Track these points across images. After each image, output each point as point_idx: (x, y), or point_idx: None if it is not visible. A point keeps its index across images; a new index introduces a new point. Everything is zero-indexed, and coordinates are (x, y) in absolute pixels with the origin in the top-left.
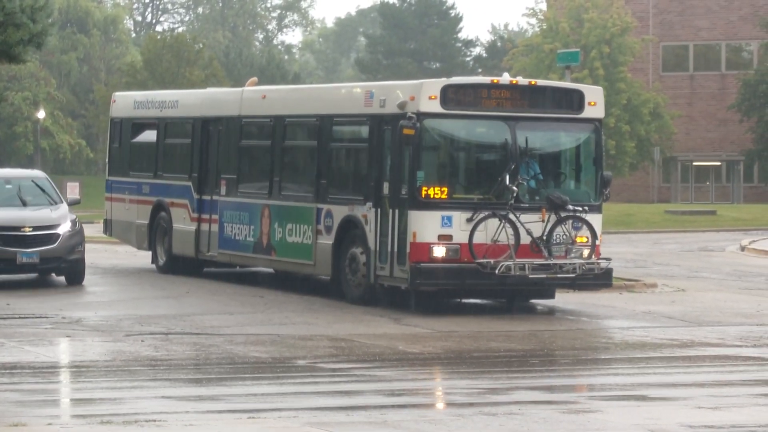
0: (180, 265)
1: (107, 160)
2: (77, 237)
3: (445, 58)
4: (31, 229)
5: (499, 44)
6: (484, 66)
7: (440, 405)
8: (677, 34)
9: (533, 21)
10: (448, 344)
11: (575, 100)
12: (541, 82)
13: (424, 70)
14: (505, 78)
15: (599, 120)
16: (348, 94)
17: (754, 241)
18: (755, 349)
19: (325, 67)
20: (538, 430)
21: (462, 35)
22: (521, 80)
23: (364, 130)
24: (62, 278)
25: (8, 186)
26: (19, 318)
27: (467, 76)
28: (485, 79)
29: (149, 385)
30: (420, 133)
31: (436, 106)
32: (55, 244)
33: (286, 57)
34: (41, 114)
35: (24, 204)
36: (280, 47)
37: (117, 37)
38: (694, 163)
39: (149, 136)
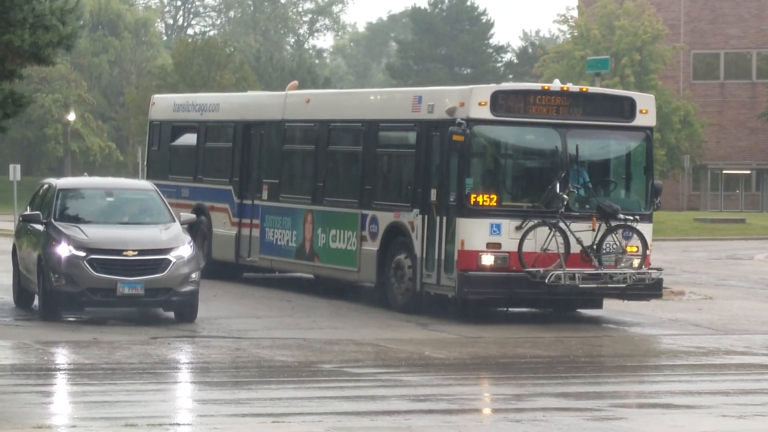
0: (219, 270)
1: (146, 163)
2: (192, 264)
3: (476, 64)
4: (135, 252)
5: (530, 50)
6: (515, 72)
7: (465, 411)
8: (708, 42)
9: (564, 28)
10: (474, 350)
11: (626, 108)
12: (592, 89)
13: (454, 75)
14: (556, 84)
15: (650, 128)
16: (395, 99)
17: None
18: None
19: (355, 71)
20: None
21: (493, 41)
22: (572, 87)
23: (412, 136)
24: (171, 313)
25: (109, 199)
26: (43, 320)
27: (501, 83)
28: (536, 86)
29: (174, 388)
30: (469, 139)
31: (486, 113)
32: (165, 273)
33: (316, 61)
34: (71, 116)
35: (128, 222)
36: (311, 51)
37: (148, 40)
38: (724, 172)
39: (189, 139)
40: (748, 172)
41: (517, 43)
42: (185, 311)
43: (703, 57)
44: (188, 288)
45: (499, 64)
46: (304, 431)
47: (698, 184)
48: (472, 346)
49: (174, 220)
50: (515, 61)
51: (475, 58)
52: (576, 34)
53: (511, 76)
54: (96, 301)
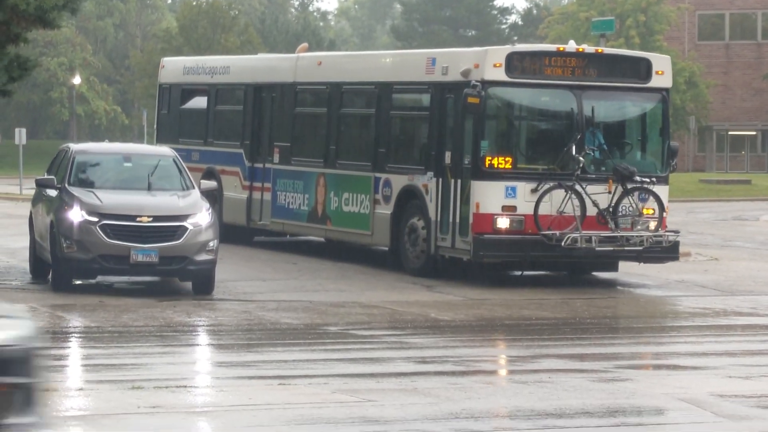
0: (230, 234)
1: (155, 126)
2: (210, 232)
3: (480, 26)
4: (150, 219)
5: (534, 12)
6: (520, 34)
7: (470, 373)
8: (713, 2)
9: None
10: (480, 312)
11: (642, 69)
12: (607, 50)
13: (459, 37)
14: (571, 45)
15: (666, 89)
16: (409, 61)
17: None
18: None
19: (360, 34)
20: (567, 399)
21: (498, 3)
22: (587, 48)
23: (425, 98)
24: (188, 284)
25: (127, 164)
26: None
27: (507, 44)
28: (551, 47)
29: (181, 350)
30: (484, 101)
31: (501, 74)
32: (180, 240)
33: (321, 24)
34: (77, 80)
35: (145, 188)
36: (315, 14)
37: (153, 3)
38: (730, 133)
39: (199, 102)
40: (754, 132)
41: (521, 5)
42: (201, 282)
43: (708, 17)
44: (205, 257)
45: (504, 26)
46: (310, 393)
47: (704, 146)
48: (478, 308)
49: (193, 187)
50: (520, 22)
51: (480, 19)
52: None
53: (515, 38)
54: (108, 269)
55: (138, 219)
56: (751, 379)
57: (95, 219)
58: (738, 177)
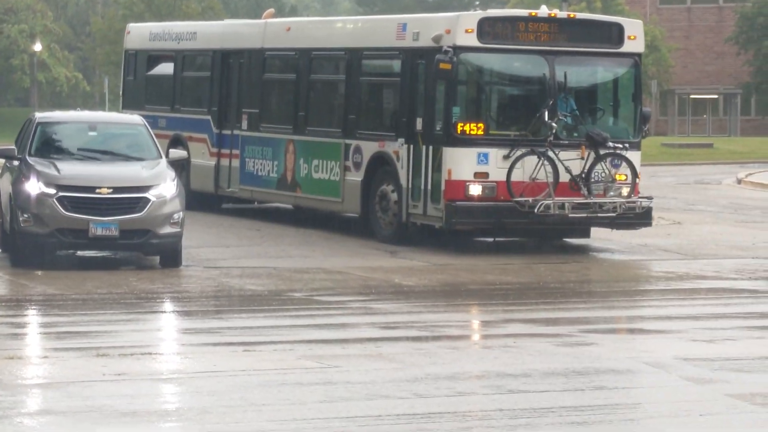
0: (198, 201)
1: (121, 92)
2: (174, 204)
3: None
4: (110, 190)
5: None
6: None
7: (435, 338)
8: None
9: None
10: (444, 277)
11: (615, 34)
12: (580, 15)
13: (421, 3)
14: (543, 11)
15: (639, 54)
16: (379, 27)
17: (750, 173)
18: (750, 282)
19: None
20: (532, 363)
21: None
22: (560, 13)
23: (396, 64)
24: (157, 259)
25: (92, 133)
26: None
27: (470, 10)
28: (523, 12)
29: (145, 318)
30: (456, 67)
31: (472, 40)
32: (142, 213)
33: None
34: (38, 47)
35: (109, 158)
36: None
37: None
38: (691, 96)
39: (166, 68)
40: (716, 96)
41: None
42: (167, 256)
43: None
44: (170, 230)
45: None
46: (275, 359)
47: (665, 109)
48: (441, 273)
49: (160, 156)
50: None
51: None
52: None
53: (477, 3)
54: (66, 243)
55: (97, 191)
56: (715, 342)
57: (52, 191)
58: (700, 141)
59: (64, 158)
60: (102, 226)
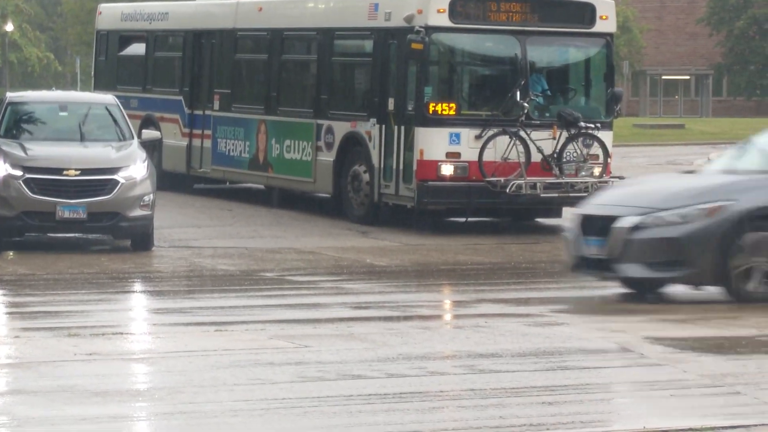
0: (170, 182)
1: (93, 73)
2: (145, 185)
3: None
4: (77, 172)
5: None
6: None
7: (406, 318)
8: None
9: None
10: (415, 257)
11: (587, 14)
12: None
13: None
14: None
15: (611, 34)
16: (351, 7)
17: (722, 154)
18: None
19: None
20: (504, 343)
21: None
22: None
23: (368, 44)
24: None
25: (63, 114)
26: None
27: None
28: None
29: (117, 298)
30: (428, 47)
31: (444, 20)
32: (110, 195)
33: None
34: (9, 27)
35: (79, 139)
36: None
37: None
38: (663, 77)
39: (138, 49)
40: (687, 77)
41: None
42: (137, 239)
43: None
44: (140, 212)
45: None
46: (247, 339)
47: (637, 90)
48: (413, 253)
49: (132, 137)
50: None
51: None
52: None
53: None
54: (33, 226)
55: (65, 172)
56: (686, 322)
57: (19, 173)
58: (671, 122)
59: (33, 139)
60: (69, 208)
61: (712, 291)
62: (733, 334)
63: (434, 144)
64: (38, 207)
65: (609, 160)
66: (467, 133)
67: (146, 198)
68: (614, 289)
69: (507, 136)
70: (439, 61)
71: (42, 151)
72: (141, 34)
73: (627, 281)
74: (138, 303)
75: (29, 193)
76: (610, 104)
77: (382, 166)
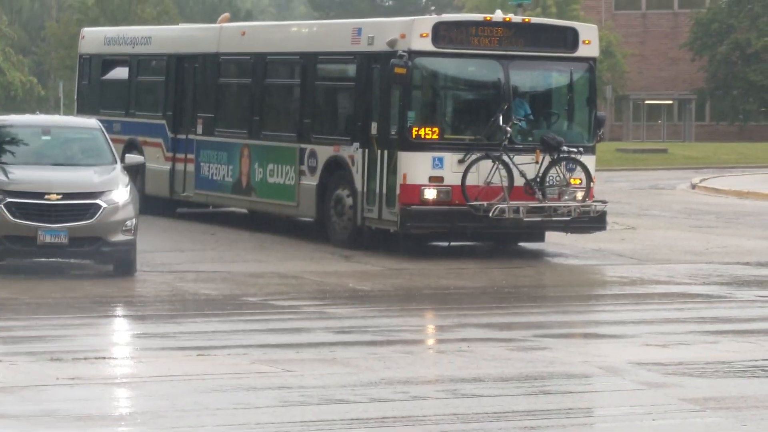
0: (153, 206)
1: (76, 97)
2: (127, 210)
3: None
4: (59, 196)
5: None
6: (437, 4)
7: (389, 342)
8: None
9: None
10: (399, 281)
11: (569, 39)
12: (534, 19)
13: (376, 7)
14: (498, 15)
15: (593, 59)
16: (334, 31)
17: (704, 179)
18: (704, 287)
19: (277, 4)
20: (486, 367)
21: None
22: (514, 17)
23: (351, 69)
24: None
25: (45, 138)
26: None
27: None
28: (478, 17)
29: (99, 322)
30: (411, 71)
31: (427, 44)
32: (92, 220)
33: None
34: None
35: (62, 163)
36: None
37: None
38: (646, 102)
39: (121, 73)
40: (670, 102)
41: None
42: (120, 264)
43: None
44: (122, 237)
45: None
46: (229, 364)
47: (620, 115)
48: (396, 277)
49: (115, 162)
50: None
51: None
52: None
53: (433, 8)
54: (14, 251)
55: (46, 197)
56: (668, 347)
57: (0, 197)
58: (655, 146)
59: (15, 163)
60: (51, 233)
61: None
62: (714, 359)
63: (417, 168)
64: (19, 231)
65: (592, 184)
66: (450, 158)
67: (129, 222)
68: (596, 314)
69: (490, 161)
70: (422, 86)
71: (24, 174)
72: (124, 58)
73: None
74: (121, 327)
75: (10, 217)
76: (593, 129)
77: (365, 190)
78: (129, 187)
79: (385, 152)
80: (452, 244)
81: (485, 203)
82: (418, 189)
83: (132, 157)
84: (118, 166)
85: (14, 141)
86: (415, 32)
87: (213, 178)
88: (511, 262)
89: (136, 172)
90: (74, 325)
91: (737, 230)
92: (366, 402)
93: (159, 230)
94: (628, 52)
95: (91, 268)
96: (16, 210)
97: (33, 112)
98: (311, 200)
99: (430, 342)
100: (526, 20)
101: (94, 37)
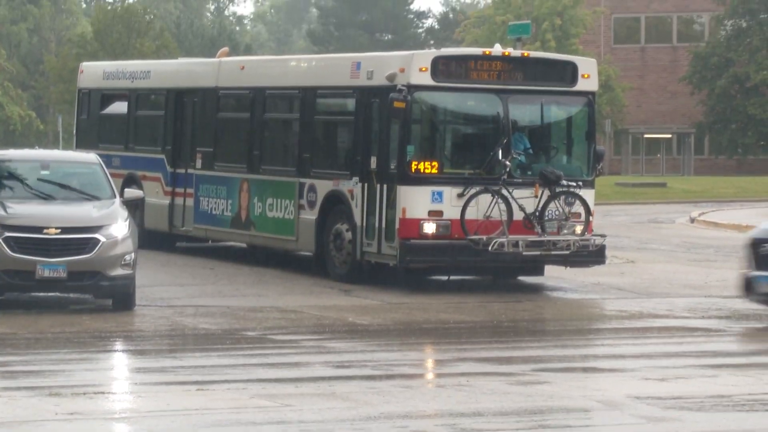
0: (152, 240)
1: (75, 131)
2: (126, 244)
3: (397, 30)
4: (57, 230)
5: (451, 16)
6: (436, 38)
7: (389, 377)
8: (629, 6)
9: None
10: (398, 316)
11: (568, 73)
12: (533, 53)
13: (375, 42)
14: (497, 49)
15: (593, 93)
16: (333, 66)
17: (703, 213)
18: (703, 321)
19: (276, 38)
20: (485, 402)
21: (414, 7)
22: (513, 52)
23: (351, 103)
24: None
25: (44, 172)
26: None
27: (424, 48)
28: (477, 51)
29: (98, 357)
30: (410, 106)
31: (426, 79)
32: (91, 254)
33: (237, 28)
34: None
35: (61, 197)
36: (231, 18)
37: (67, 8)
38: (645, 136)
39: (120, 107)
40: (669, 136)
41: (438, 9)
42: (119, 298)
43: (624, 21)
44: (121, 272)
45: (420, 30)
46: (228, 398)
47: (619, 149)
48: (395, 311)
49: (114, 196)
50: (436, 26)
51: (396, 23)
52: None
53: (432, 42)
54: (13, 285)
55: (45, 231)
56: (667, 380)
57: None
58: (653, 180)
59: (14, 197)
60: (49, 267)
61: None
62: (713, 392)
63: (417, 202)
64: (18, 266)
65: (591, 218)
66: (449, 192)
67: (127, 257)
68: (595, 348)
69: (489, 195)
70: (421, 120)
71: (22, 209)
72: (123, 92)
73: None
74: (120, 362)
75: (9, 251)
76: (592, 163)
77: (364, 224)
78: (128, 221)
79: (385, 186)
80: (451, 278)
81: (484, 237)
82: (417, 223)
83: (131, 192)
84: (117, 200)
85: (13, 175)
86: (415, 66)
87: (212, 212)
88: (511, 296)
89: (135, 207)
90: (73, 359)
91: (736, 264)
92: None
93: (158, 265)
94: (627, 85)
95: (89, 303)
96: (15, 244)
97: (32, 146)
98: (310, 234)
99: (430, 376)
100: (525, 54)
101: (93, 72)
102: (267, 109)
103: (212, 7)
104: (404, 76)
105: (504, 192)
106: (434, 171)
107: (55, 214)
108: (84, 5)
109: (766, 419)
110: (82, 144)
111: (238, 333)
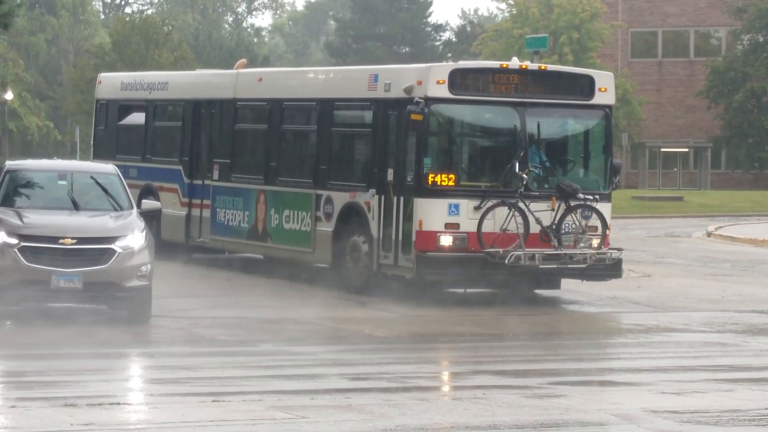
0: (168, 251)
1: (92, 142)
2: (143, 255)
3: (414, 43)
4: (74, 241)
5: (468, 29)
6: (454, 51)
7: (405, 389)
8: (646, 20)
9: (503, 6)
10: (414, 328)
11: (586, 86)
12: (551, 67)
13: (393, 54)
14: (515, 62)
15: (609, 106)
16: (351, 78)
17: (720, 227)
18: (719, 335)
19: (294, 50)
20: (501, 415)
21: (432, 20)
22: (531, 65)
23: (368, 115)
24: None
25: (61, 182)
26: None
27: (442, 61)
28: (494, 64)
29: (114, 367)
30: (427, 118)
31: (444, 91)
32: (107, 264)
33: (255, 40)
34: (9, 95)
35: (78, 208)
36: (249, 30)
37: (86, 19)
38: (662, 150)
39: (137, 118)
40: (686, 150)
41: (455, 22)
42: (134, 310)
43: (641, 35)
44: (137, 283)
45: (438, 43)
46: (244, 410)
47: (636, 162)
48: (411, 324)
49: (131, 207)
50: (454, 39)
51: (414, 36)
52: (514, 12)
53: (449, 55)
54: (28, 295)
55: (61, 241)
56: (683, 394)
57: (15, 241)
58: (670, 194)
59: (30, 207)
60: (65, 278)
61: None
62: (729, 407)
63: (433, 215)
64: (33, 276)
65: (608, 231)
66: (466, 204)
67: (144, 268)
68: (612, 362)
69: (506, 207)
70: (438, 132)
71: (39, 219)
72: (141, 103)
73: None
74: (135, 373)
75: (24, 261)
76: (609, 176)
77: (381, 236)
78: (145, 232)
79: (401, 199)
80: (468, 290)
81: (501, 250)
82: (434, 236)
83: (148, 203)
84: (134, 211)
85: (30, 185)
86: (432, 79)
87: (229, 223)
88: (527, 309)
89: (152, 218)
90: (88, 370)
91: (753, 278)
92: None
93: (174, 276)
94: (644, 99)
95: (105, 314)
96: (31, 254)
97: (50, 156)
98: (327, 246)
99: (446, 389)
100: (543, 67)
101: (111, 82)
102: (284, 120)
103: (230, 19)
104: (421, 89)
105: (521, 205)
106: (451, 183)
107: (72, 225)
108: (102, 16)
109: None
110: (99, 154)
111: (255, 344)
